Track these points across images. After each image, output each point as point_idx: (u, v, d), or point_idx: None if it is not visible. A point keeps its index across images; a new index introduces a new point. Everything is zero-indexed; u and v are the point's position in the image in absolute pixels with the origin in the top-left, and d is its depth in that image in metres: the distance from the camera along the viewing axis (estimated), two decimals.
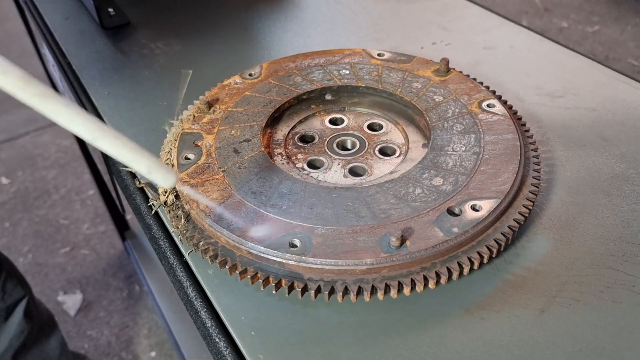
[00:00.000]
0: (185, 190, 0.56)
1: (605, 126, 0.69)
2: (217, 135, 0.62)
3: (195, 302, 0.52)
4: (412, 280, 0.49)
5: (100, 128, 0.42)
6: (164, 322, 1.73)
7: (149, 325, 1.87)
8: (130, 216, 2.09)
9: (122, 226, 2.04)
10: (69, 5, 1.05)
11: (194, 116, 0.65)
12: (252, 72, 0.72)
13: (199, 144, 0.62)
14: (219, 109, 0.66)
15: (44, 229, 2.20)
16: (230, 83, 0.70)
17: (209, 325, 0.50)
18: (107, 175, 0.81)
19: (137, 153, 0.44)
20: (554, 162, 0.64)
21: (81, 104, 0.82)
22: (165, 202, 0.57)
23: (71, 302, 1.95)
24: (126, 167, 0.58)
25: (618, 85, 0.76)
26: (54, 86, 1.35)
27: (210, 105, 0.66)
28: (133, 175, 0.66)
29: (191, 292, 0.53)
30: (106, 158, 0.75)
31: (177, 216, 0.56)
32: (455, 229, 0.50)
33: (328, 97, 0.70)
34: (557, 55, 0.84)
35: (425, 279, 0.49)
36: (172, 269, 0.57)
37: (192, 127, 0.64)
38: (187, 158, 0.60)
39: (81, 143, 1.79)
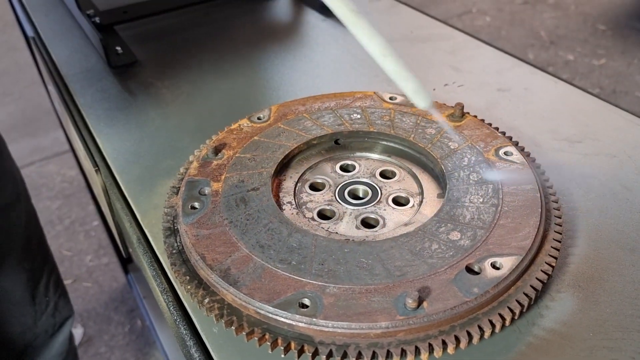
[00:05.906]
0: (434, 112, 0.61)
1: (627, 174, 0.66)
2: (224, 183, 0.60)
3: None
4: (430, 345, 0.46)
5: (390, 49, 0.50)
6: (166, 359, 1.68)
7: None
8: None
9: (125, 259, 2.01)
10: (76, 43, 1.04)
11: (201, 162, 0.63)
12: (261, 116, 0.70)
13: (206, 192, 0.59)
14: (227, 154, 0.64)
15: None
16: (238, 127, 0.69)
17: None
18: (112, 221, 0.78)
19: (409, 75, 0.52)
20: (575, 212, 0.61)
21: (84, 143, 0.80)
22: (170, 255, 0.55)
23: None
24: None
25: (636, 130, 0.74)
26: (60, 122, 1.34)
27: (217, 150, 0.64)
28: (140, 230, 0.64)
29: (194, 352, 0.50)
30: (111, 204, 0.73)
31: (182, 270, 0.53)
32: (476, 289, 0.47)
33: (339, 142, 0.68)
34: (572, 97, 0.82)
35: (444, 344, 0.46)
36: (176, 325, 0.54)
37: (198, 173, 0.62)
38: (193, 207, 0.57)
39: (85, 174, 1.78)
